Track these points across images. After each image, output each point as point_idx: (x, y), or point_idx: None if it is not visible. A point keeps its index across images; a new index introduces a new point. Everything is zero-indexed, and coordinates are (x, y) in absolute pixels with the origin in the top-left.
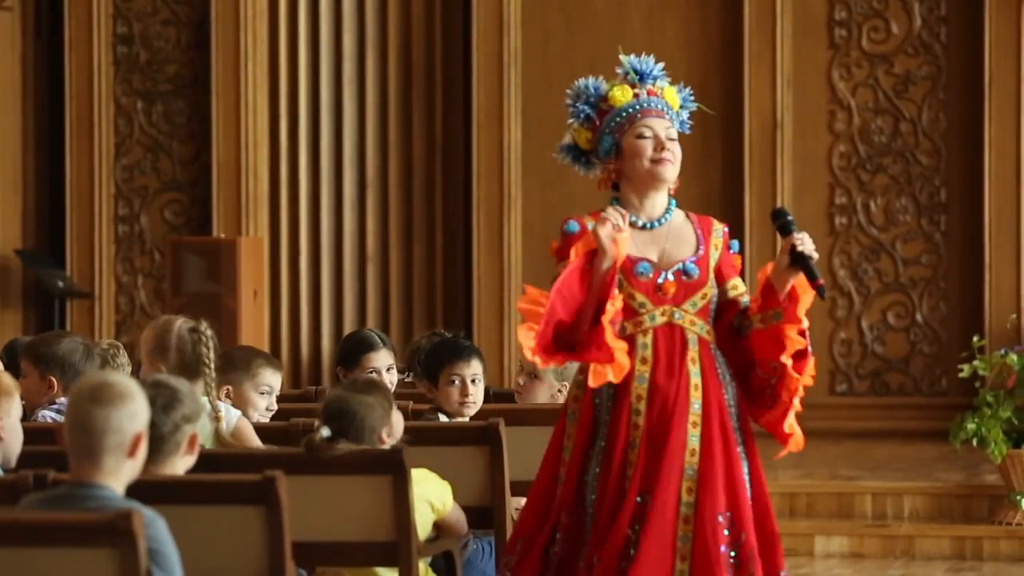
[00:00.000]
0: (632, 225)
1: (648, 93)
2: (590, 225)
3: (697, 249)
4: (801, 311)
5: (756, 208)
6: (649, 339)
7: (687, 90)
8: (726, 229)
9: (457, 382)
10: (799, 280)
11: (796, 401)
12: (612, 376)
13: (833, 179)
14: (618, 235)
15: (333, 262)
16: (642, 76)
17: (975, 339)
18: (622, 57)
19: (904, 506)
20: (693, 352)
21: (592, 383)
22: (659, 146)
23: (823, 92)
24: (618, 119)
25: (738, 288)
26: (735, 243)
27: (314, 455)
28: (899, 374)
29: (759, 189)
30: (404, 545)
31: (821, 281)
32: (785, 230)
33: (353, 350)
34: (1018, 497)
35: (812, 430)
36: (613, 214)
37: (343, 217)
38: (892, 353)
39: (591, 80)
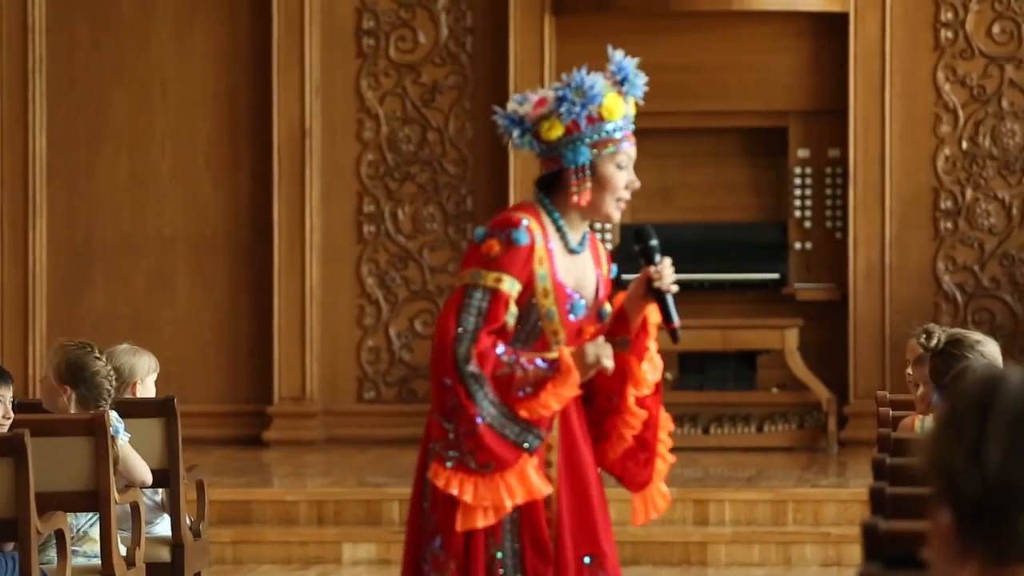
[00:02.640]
0: (565, 245)
1: (628, 108)
2: (537, 234)
3: (598, 284)
4: (651, 342)
5: (285, 217)
6: None
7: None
8: (609, 249)
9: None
10: (652, 310)
11: (662, 451)
12: (481, 520)
13: (361, 187)
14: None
15: None
16: (624, 83)
17: None
18: (616, 55)
19: None
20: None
21: (459, 525)
22: (630, 184)
23: (351, 101)
24: (603, 135)
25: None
26: (615, 267)
27: None
28: (426, 381)
29: (288, 197)
30: None
31: (676, 324)
32: (645, 257)
33: None
34: None
35: (340, 437)
36: (600, 352)
37: None
38: (419, 360)
39: (597, 80)
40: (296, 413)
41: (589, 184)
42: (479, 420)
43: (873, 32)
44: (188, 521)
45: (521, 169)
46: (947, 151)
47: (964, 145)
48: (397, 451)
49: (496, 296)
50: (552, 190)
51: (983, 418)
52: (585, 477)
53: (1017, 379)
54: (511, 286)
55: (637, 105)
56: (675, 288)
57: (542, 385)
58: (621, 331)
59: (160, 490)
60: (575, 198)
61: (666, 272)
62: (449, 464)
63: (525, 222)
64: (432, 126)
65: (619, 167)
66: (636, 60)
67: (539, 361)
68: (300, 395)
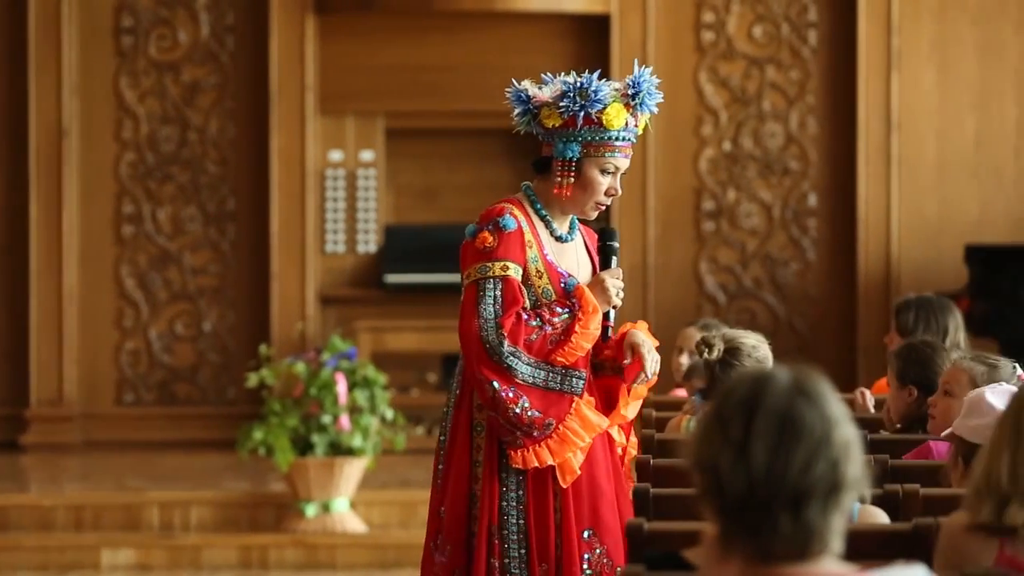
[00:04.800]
0: (551, 233)
1: (634, 122)
2: (522, 219)
3: (593, 270)
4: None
5: (41, 218)
6: None
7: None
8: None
9: None
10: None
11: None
12: (571, 474)
13: (121, 188)
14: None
15: None
16: (635, 97)
17: (263, 348)
18: (640, 69)
19: (191, 516)
20: None
21: (563, 482)
22: (610, 191)
23: (110, 100)
24: (596, 139)
25: None
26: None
27: None
28: (187, 384)
29: (45, 198)
30: None
31: (611, 322)
32: (603, 256)
33: None
34: (304, 505)
35: (99, 441)
36: (616, 283)
37: None
38: (180, 363)
39: (603, 85)
40: (53, 416)
41: (572, 179)
42: (522, 394)
43: (635, 34)
44: None
45: (283, 169)
46: (709, 152)
47: (726, 146)
48: (157, 454)
49: (507, 282)
50: (543, 176)
51: (749, 417)
52: (592, 452)
53: (783, 380)
54: (516, 271)
55: (647, 124)
56: (619, 303)
57: (570, 330)
58: (621, 357)
59: None
60: (556, 188)
61: (615, 285)
62: (519, 443)
63: (508, 209)
64: (192, 126)
65: (603, 172)
66: (656, 80)
67: (559, 309)
68: (57, 398)
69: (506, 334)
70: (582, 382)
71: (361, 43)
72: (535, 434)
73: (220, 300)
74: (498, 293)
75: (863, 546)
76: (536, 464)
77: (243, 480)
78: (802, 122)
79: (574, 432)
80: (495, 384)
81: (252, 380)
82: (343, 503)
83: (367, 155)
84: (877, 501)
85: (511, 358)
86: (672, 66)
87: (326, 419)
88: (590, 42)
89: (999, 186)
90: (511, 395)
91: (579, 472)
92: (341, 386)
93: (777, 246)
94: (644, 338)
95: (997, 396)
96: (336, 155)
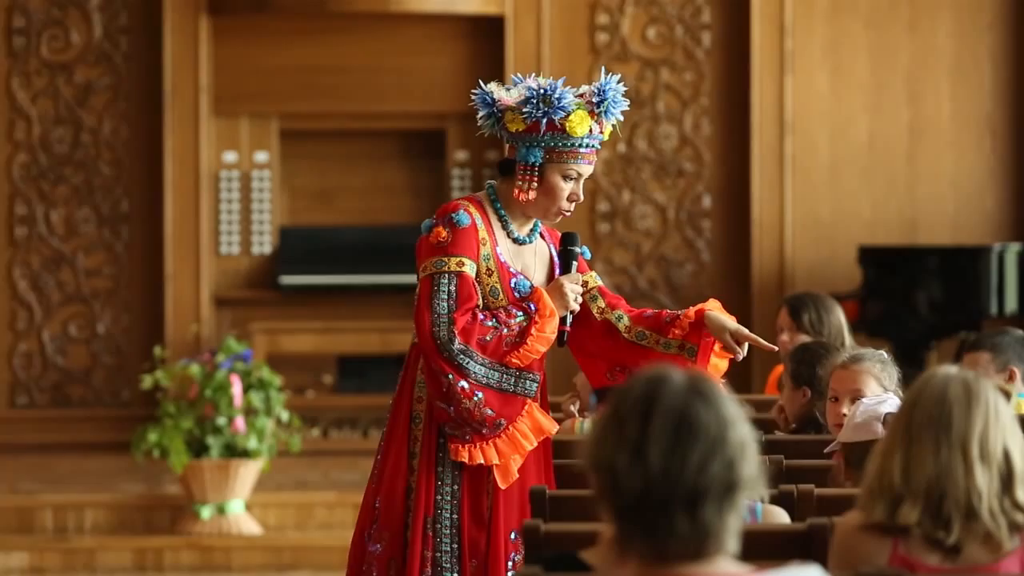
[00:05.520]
0: (508, 234)
1: (598, 129)
2: (477, 217)
3: (551, 273)
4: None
5: None
6: None
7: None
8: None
9: None
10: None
11: None
12: (510, 477)
13: (13, 189)
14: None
15: None
16: (600, 104)
17: (157, 350)
18: (607, 77)
19: (86, 519)
20: None
21: (502, 483)
22: (572, 196)
23: (2, 101)
24: (559, 145)
25: (589, 283)
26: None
27: None
28: (81, 386)
29: None
30: None
31: (567, 327)
32: (563, 260)
33: None
34: (199, 507)
35: None
36: (575, 288)
37: None
38: (74, 365)
39: (567, 92)
40: None
41: (534, 184)
42: (477, 391)
43: (529, 35)
44: None
45: (177, 170)
46: (604, 154)
47: (620, 148)
48: (51, 458)
49: (462, 279)
50: (506, 178)
51: (646, 419)
52: (527, 456)
53: (679, 380)
54: (472, 268)
55: (613, 129)
56: (576, 308)
57: (526, 332)
58: (692, 339)
59: None
60: (517, 192)
61: (573, 290)
62: (467, 438)
63: (463, 206)
64: (86, 127)
65: (566, 178)
66: (621, 87)
67: (515, 311)
68: None
69: (457, 332)
70: (535, 385)
71: (255, 44)
72: (484, 431)
73: (114, 302)
74: (452, 288)
75: (758, 546)
76: (481, 461)
77: (138, 482)
78: (696, 124)
79: (523, 435)
80: (451, 376)
81: (146, 382)
82: (238, 505)
83: (261, 156)
84: (772, 501)
85: (461, 356)
86: (567, 68)
87: (221, 421)
88: (485, 43)
89: (892, 188)
90: (466, 388)
91: (517, 475)
92: (236, 388)
93: (672, 247)
94: (734, 323)
95: (879, 404)
96: (230, 156)
